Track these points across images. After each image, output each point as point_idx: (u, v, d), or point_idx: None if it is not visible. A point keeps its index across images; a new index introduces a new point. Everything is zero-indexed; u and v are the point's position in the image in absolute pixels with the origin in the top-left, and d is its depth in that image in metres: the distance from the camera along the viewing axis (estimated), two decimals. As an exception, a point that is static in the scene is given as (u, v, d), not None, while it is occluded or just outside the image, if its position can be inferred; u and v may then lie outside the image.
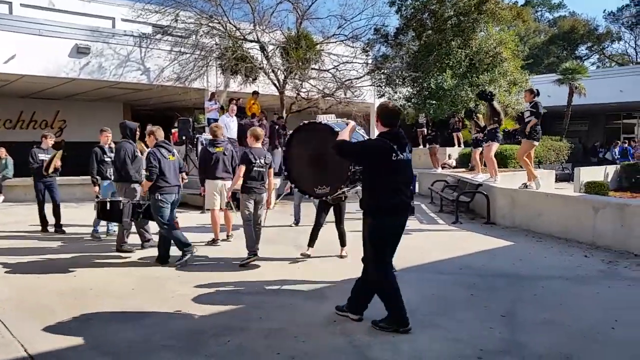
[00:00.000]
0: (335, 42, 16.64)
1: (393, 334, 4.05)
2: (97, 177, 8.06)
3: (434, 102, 15.39)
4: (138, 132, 7.89)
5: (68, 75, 14.69)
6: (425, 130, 17.34)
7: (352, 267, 6.09)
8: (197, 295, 5.10)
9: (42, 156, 8.70)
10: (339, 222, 6.64)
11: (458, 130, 17.30)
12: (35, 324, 4.36)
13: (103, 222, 7.85)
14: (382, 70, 17.40)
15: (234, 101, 14.90)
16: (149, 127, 6.92)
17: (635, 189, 16.58)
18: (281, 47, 16.04)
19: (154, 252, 6.63)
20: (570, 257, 6.74)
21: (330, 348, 3.85)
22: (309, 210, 8.77)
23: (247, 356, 3.75)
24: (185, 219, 9.70)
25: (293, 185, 5.80)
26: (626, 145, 23.39)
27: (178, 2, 15.11)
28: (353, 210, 6.45)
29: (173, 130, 14.98)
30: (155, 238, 6.85)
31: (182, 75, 15.72)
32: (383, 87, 17.85)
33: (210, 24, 15.46)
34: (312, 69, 16.28)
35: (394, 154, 4.07)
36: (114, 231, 8.22)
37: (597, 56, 45.37)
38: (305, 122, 5.42)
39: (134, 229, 7.21)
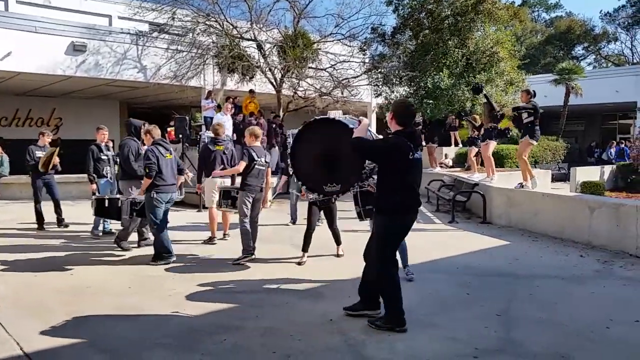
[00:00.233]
0: (333, 41, 16.62)
1: (389, 333, 4.06)
2: (94, 175, 8.04)
3: (431, 101, 15.38)
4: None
5: (64, 72, 14.63)
6: (420, 128, 17.35)
7: (348, 266, 6.12)
8: (193, 294, 5.10)
9: (39, 153, 8.70)
10: (331, 224, 6.64)
11: (455, 129, 17.32)
12: (32, 322, 4.35)
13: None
14: (379, 70, 17.38)
15: (230, 99, 14.91)
16: (145, 126, 6.91)
17: (631, 189, 16.64)
18: (278, 45, 16.02)
19: (150, 250, 6.62)
20: (566, 257, 6.76)
21: (326, 347, 3.86)
22: (306, 209, 8.76)
23: (243, 355, 3.75)
24: (181, 217, 9.71)
25: (301, 184, 5.56)
26: (622, 145, 23.47)
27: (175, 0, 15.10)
28: (348, 209, 6.45)
29: (169, 129, 14.94)
30: (152, 237, 6.85)
31: (179, 73, 15.68)
32: (380, 87, 17.83)
33: (207, 22, 15.42)
34: (309, 67, 16.26)
35: (410, 153, 4.10)
36: (110, 229, 8.22)
37: (594, 56, 45.50)
38: (317, 117, 5.22)
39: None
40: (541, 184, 9.03)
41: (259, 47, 15.82)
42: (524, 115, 8.87)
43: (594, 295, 5.18)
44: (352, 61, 16.68)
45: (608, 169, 18.18)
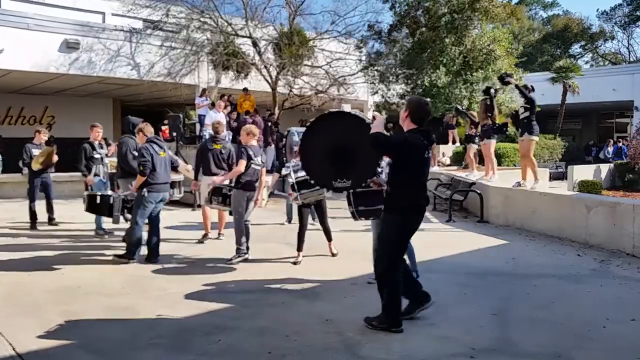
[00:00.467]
0: (329, 38, 16.57)
1: (385, 333, 4.03)
2: (86, 172, 7.98)
3: (427, 99, 15.36)
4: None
5: (57, 70, 14.53)
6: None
7: (344, 265, 6.11)
8: (187, 294, 5.05)
9: (36, 151, 8.71)
10: (322, 221, 6.60)
11: (452, 127, 17.28)
12: (25, 321, 4.31)
13: (105, 219, 7.76)
14: (376, 67, 17.36)
15: (224, 97, 14.83)
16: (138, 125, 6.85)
17: (628, 188, 16.65)
18: (273, 43, 15.95)
19: (144, 250, 6.55)
20: (563, 256, 6.74)
21: (322, 347, 3.82)
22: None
23: (238, 355, 3.71)
24: (175, 216, 9.64)
25: (309, 178, 5.37)
26: (620, 144, 23.49)
27: (169, -4, 15.02)
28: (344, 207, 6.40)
29: (163, 128, 14.84)
30: (145, 236, 6.78)
31: (173, 70, 15.61)
32: (376, 84, 17.81)
33: (201, 19, 15.32)
34: (305, 65, 16.20)
35: (425, 152, 4.08)
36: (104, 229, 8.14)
37: (591, 55, 45.58)
38: (332, 110, 5.07)
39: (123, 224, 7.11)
40: (538, 183, 8.97)
41: (254, 44, 15.74)
42: (521, 110, 8.79)
43: (591, 294, 5.16)
44: (349, 59, 16.65)
45: (605, 167, 18.17)
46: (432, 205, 11.06)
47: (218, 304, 4.76)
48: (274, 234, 8.15)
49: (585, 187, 13.63)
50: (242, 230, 6.35)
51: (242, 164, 6.33)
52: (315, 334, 4.07)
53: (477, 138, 11.50)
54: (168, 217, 9.01)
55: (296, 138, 6.55)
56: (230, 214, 6.97)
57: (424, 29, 16.75)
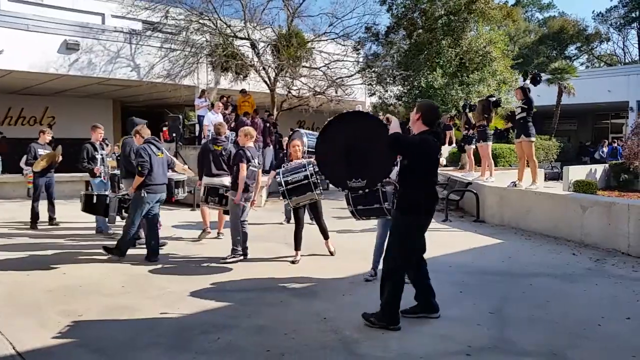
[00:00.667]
0: (326, 40, 16.61)
1: (382, 331, 4.07)
2: (91, 165, 8.02)
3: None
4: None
5: (57, 71, 14.54)
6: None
7: (342, 265, 6.14)
8: (186, 293, 5.08)
9: (41, 151, 8.79)
10: (318, 220, 6.65)
11: (449, 128, 17.34)
12: (25, 321, 4.33)
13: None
14: (373, 69, 17.42)
15: (223, 99, 14.87)
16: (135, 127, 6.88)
17: (623, 188, 16.71)
18: (272, 44, 15.99)
19: (144, 250, 6.59)
20: (558, 255, 6.80)
21: (319, 345, 3.86)
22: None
23: (237, 353, 3.74)
24: (175, 216, 9.67)
25: (324, 177, 5.37)
26: (615, 144, 23.58)
27: (168, -2, 15.07)
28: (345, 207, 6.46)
29: (164, 129, 14.88)
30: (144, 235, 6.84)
31: (172, 72, 15.63)
32: (374, 86, 17.88)
33: (200, 21, 15.38)
34: (303, 66, 16.25)
35: (438, 153, 4.20)
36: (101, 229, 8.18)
37: (586, 56, 45.72)
38: (351, 110, 5.12)
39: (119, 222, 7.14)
40: (536, 185, 9.01)
41: (253, 46, 15.79)
42: (517, 110, 8.79)
43: (586, 293, 5.21)
44: (346, 60, 16.69)
45: (601, 168, 18.23)
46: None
47: (217, 303, 4.80)
48: (272, 234, 8.19)
49: (581, 187, 13.68)
50: (238, 231, 6.40)
51: (243, 167, 6.38)
52: (313, 332, 4.11)
53: (474, 139, 11.56)
54: (168, 216, 9.07)
55: (305, 139, 6.57)
56: (226, 213, 7.04)
57: (420, 30, 16.84)
